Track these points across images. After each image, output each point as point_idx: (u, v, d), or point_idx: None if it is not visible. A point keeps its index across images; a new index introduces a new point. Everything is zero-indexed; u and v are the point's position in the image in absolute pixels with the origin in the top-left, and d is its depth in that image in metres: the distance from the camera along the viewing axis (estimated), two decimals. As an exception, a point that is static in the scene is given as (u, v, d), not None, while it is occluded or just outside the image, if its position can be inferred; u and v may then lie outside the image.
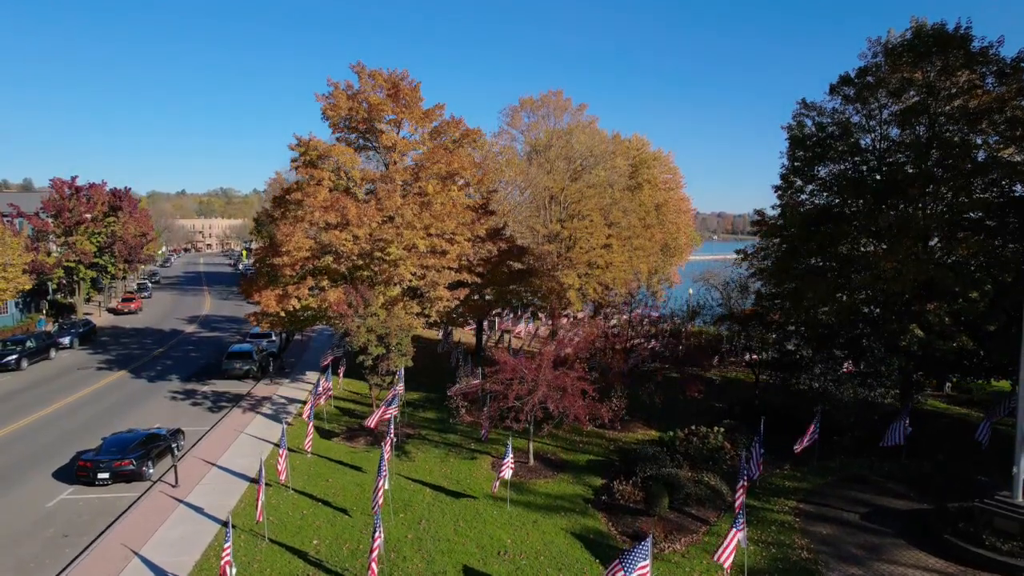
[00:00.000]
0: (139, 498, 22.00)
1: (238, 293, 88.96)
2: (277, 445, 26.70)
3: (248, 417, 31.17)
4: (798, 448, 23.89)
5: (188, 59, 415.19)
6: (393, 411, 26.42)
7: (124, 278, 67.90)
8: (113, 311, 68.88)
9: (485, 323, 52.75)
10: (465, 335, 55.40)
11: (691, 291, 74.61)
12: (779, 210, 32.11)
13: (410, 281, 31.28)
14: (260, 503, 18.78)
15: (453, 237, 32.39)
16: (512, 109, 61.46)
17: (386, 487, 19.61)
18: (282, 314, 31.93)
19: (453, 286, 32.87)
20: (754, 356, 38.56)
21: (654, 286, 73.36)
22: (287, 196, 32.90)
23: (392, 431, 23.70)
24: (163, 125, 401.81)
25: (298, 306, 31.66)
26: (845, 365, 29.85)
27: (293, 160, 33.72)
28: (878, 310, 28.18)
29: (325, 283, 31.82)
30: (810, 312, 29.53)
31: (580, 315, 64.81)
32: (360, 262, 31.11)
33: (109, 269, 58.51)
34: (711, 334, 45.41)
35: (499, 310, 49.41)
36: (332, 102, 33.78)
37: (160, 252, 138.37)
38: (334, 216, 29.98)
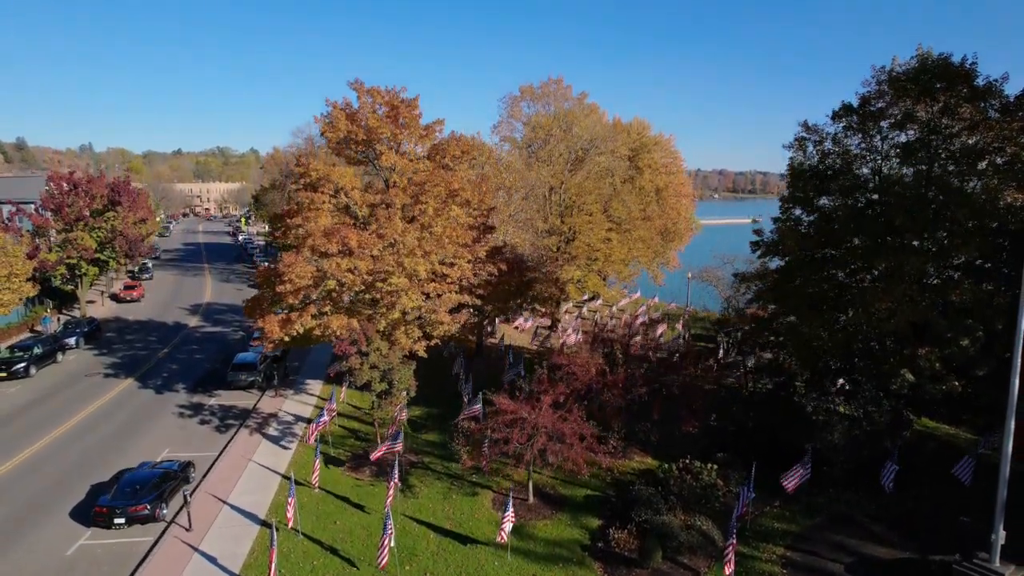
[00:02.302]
0: (155, 544, 22.91)
1: (239, 274, 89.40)
2: (286, 477, 27.83)
3: (255, 441, 32.02)
4: (787, 484, 24.78)
5: (182, 16, 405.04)
6: (397, 447, 27.33)
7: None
8: (116, 298, 69.41)
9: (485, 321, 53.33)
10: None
11: (689, 275, 75.05)
12: (777, 234, 32.26)
13: (411, 309, 31.66)
14: (273, 564, 19.66)
15: (454, 261, 32.66)
16: (512, 99, 60.69)
17: (391, 544, 20.52)
18: (286, 339, 32.39)
19: (454, 310, 33.29)
20: (749, 370, 39.41)
21: (653, 270, 73.68)
22: (288, 219, 32.94)
23: (396, 474, 24.56)
24: (157, 82, 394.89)
25: (301, 331, 32.12)
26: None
27: (293, 182, 33.74)
28: (873, 343, 28.67)
29: (328, 309, 32.16)
30: (805, 339, 30.05)
31: (583, 298, 65.46)
32: (361, 287, 31.40)
33: (111, 264, 58.72)
34: (709, 341, 45.99)
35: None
36: (331, 122, 33.61)
37: (159, 220, 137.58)
38: (335, 245, 30.15)
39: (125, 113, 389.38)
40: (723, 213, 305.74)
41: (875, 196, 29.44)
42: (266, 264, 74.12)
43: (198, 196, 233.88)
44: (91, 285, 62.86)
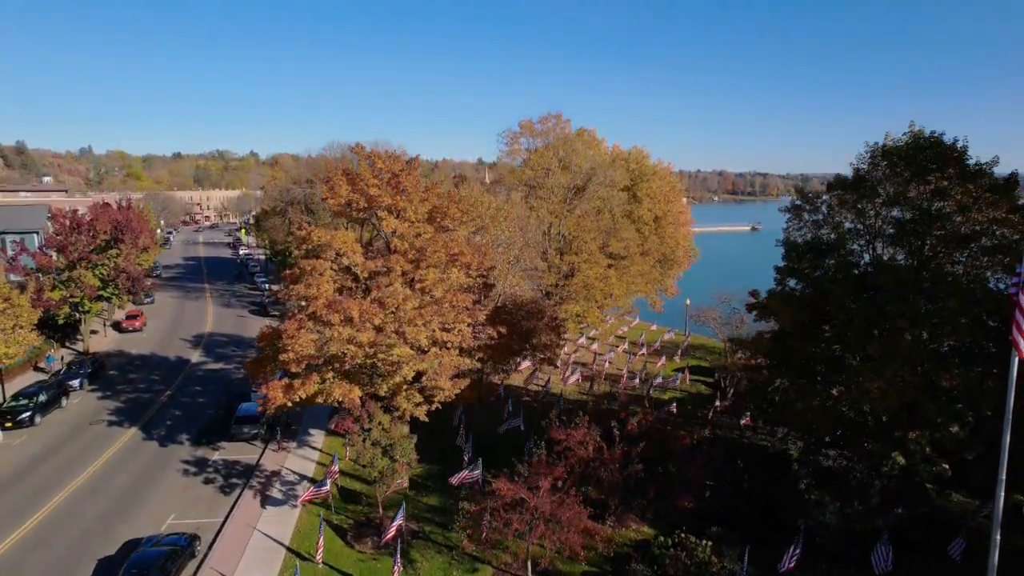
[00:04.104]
0: (162, 632, 23.47)
1: (239, 296, 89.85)
2: (290, 550, 28.49)
3: (258, 505, 32.55)
4: (783, 569, 25.38)
5: (182, 18, 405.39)
6: (399, 522, 27.88)
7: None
8: (118, 328, 69.92)
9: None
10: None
11: (688, 302, 75.74)
12: (772, 303, 32.77)
13: (412, 376, 32.17)
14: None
15: (453, 325, 33.13)
16: (512, 135, 61.54)
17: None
18: (288, 404, 32.89)
19: (455, 375, 33.77)
20: (746, 422, 40.02)
21: (652, 297, 74.28)
22: (291, 286, 33.40)
23: (399, 556, 25.11)
24: (156, 85, 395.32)
25: (304, 396, 32.65)
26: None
27: (296, 249, 34.19)
28: (869, 417, 29.20)
29: (330, 375, 32.58)
30: (799, 411, 30.59)
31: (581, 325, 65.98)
32: (363, 358, 31.88)
33: (113, 301, 59.31)
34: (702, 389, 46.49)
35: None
36: (332, 187, 34.14)
37: (159, 236, 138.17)
38: (337, 317, 30.65)
39: (124, 116, 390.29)
40: (722, 218, 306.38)
41: (869, 269, 29.97)
42: (268, 319, 74.27)
43: (198, 204, 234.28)
44: (95, 316, 63.47)
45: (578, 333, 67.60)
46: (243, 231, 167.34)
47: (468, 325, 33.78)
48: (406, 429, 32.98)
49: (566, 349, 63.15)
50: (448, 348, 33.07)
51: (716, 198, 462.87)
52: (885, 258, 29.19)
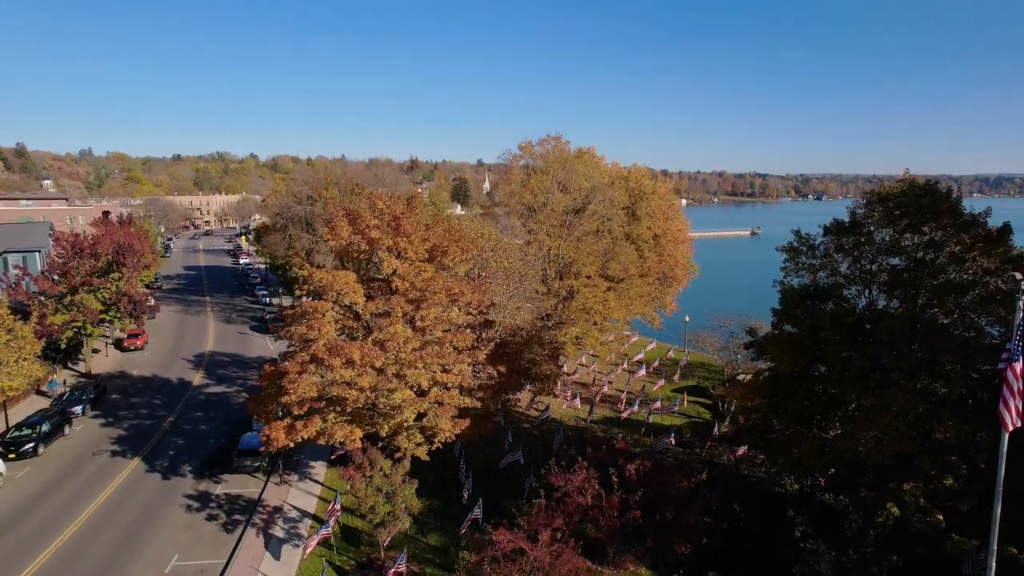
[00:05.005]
0: None
1: (240, 311, 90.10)
2: (291, 595, 28.76)
3: (261, 544, 32.89)
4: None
5: (182, 21, 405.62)
6: (400, 568, 28.23)
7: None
8: (120, 347, 70.32)
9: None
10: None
11: (687, 318, 75.99)
12: (769, 347, 33.09)
13: (412, 418, 32.50)
14: None
15: (454, 366, 33.45)
16: (512, 156, 61.83)
17: None
18: (291, 445, 33.23)
19: (454, 416, 34.09)
20: (742, 452, 40.40)
21: (651, 315, 74.56)
22: (292, 328, 33.70)
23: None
24: (156, 87, 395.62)
25: (307, 437, 33.00)
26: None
27: (298, 289, 34.48)
28: (866, 476, 29.53)
29: (332, 416, 32.90)
30: (795, 457, 30.92)
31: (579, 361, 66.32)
32: (364, 402, 32.22)
33: (116, 324, 59.67)
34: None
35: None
36: (333, 228, 34.48)
37: (159, 243, 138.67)
38: (338, 360, 30.98)
39: (125, 118, 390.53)
40: (722, 221, 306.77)
41: (866, 313, 30.27)
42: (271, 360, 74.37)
43: (198, 209, 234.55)
44: (97, 337, 63.87)
45: (578, 353, 68.02)
46: (243, 238, 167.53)
47: (468, 365, 34.14)
48: (407, 467, 33.26)
49: (565, 368, 63.52)
50: (448, 389, 33.40)
51: (716, 199, 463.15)
52: (880, 305, 29.51)
